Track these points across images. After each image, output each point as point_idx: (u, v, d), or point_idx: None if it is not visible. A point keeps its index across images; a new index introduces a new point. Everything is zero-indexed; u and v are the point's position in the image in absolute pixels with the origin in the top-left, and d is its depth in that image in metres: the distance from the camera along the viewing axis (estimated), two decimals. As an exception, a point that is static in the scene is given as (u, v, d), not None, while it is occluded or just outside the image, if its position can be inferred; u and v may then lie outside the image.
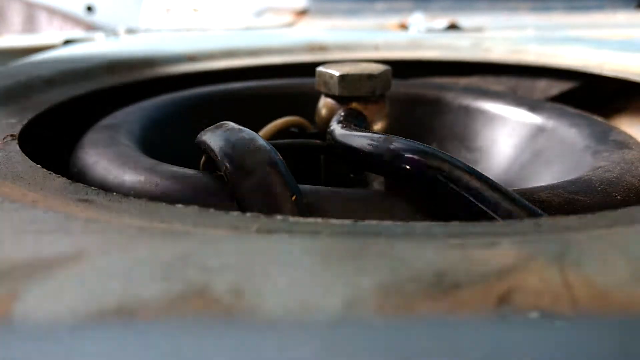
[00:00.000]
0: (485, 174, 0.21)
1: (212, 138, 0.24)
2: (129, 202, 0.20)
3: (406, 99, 0.44)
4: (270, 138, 0.36)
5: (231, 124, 0.25)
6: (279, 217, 0.18)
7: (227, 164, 0.22)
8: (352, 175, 0.34)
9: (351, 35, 0.66)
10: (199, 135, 0.26)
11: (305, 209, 0.21)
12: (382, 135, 0.24)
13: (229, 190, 0.22)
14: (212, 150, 0.24)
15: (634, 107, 0.47)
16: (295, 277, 0.14)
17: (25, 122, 0.32)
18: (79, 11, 1.37)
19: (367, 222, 0.18)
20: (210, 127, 0.26)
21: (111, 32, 0.73)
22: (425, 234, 0.17)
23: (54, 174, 0.23)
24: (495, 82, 0.51)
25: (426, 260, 0.15)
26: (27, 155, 0.26)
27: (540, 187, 0.24)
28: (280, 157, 0.23)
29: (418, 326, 0.13)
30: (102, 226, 0.17)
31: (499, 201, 0.20)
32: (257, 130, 0.30)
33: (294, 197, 0.21)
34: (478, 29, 0.68)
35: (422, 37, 0.65)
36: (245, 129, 0.25)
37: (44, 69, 0.43)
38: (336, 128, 0.28)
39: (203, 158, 0.27)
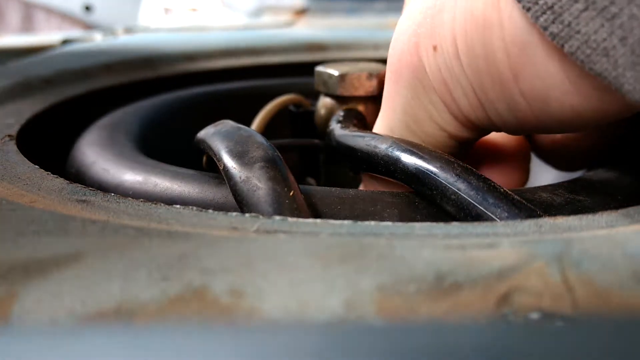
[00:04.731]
0: (485, 173, 0.21)
1: (210, 136, 0.24)
2: (127, 202, 0.20)
3: None
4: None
5: (229, 122, 0.25)
6: (277, 217, 0.18)
7: (225, 162, 0.22)
8: (352, 175, 0.34)
9: (351, 34, 0.66)
10: (197, 135, 0.26)
11: (305, 206, 0.21)
12: (381, 135, 0.24)
13: (228, 188, 0.22)
14: (210, 149, 0.24)
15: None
16: (294, 277, 0.14)
17: (23, 122, 0.32)
18: (77, 10, 1.36)
19: (367, 222, 0.18)
20: (208, 126, 0.26)
21: (109, 31, 0.73)
22: (425, 235, 0.17)
23: (52, 175, 0.23)
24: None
25: (426, 261, 0.15)
26: (25, 156, 0.26)
27: (541, 187, 0.24)
28: (279, 154, 0.23)
29: (418, 327, 0.13)
30: (100, 227, 0.17)
31: (499, 201, 0.20)
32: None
33: (292, 194, 0.20)
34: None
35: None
36: (243, 126, 0.25)
37: (42, 68, 0.43)
38: (335, 128, 0.28)
39: (205, 157, 0.27)
